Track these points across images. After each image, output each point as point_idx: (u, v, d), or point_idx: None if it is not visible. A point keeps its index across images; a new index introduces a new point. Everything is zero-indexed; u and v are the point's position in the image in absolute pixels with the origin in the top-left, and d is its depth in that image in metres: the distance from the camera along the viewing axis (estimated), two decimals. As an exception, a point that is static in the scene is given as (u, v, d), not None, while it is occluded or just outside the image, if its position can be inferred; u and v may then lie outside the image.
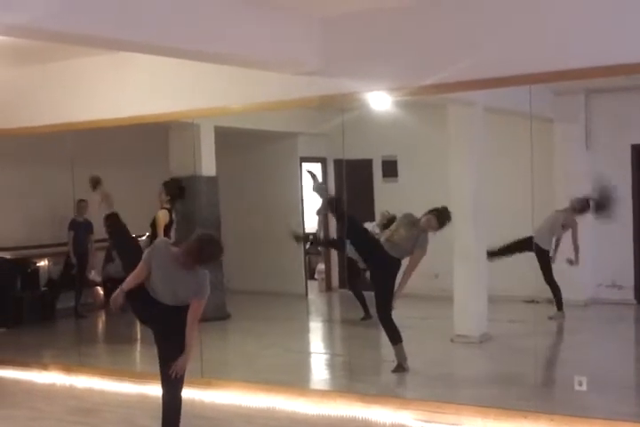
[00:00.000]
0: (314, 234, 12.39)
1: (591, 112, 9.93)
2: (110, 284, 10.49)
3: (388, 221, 8.43)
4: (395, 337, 7.18)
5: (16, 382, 7.05)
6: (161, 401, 5.12)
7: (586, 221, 9.70)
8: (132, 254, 5.40)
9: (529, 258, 7.95)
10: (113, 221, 5.97)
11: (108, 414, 6.09)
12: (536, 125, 7.51)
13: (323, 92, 6.18)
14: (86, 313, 10.05)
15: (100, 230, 9.99)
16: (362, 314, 9.15)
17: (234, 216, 10.64)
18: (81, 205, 9.92)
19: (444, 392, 6.36)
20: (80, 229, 10.04)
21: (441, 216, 7.29)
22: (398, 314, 8.91)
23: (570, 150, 9.89)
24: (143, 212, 10.92)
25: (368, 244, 7.42)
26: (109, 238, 6.54)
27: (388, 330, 7.21)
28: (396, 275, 7.23)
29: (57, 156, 9.37)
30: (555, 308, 8.61)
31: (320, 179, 8.47)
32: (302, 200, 11.29)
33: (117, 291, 5.15)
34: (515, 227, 8.72)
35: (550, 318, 8.53)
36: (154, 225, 8.80)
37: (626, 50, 4.92)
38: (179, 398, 5.14)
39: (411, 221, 7.46)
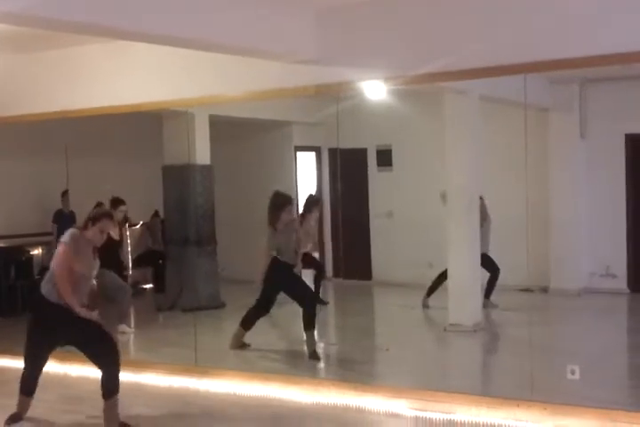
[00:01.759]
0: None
1: (586, 101, 9.95)
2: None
3: None
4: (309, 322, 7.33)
5: (10, 371, 7.04)
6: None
7: (581, 208, 9.75)
8: None
9: (523, 246, 7.96)
10: None
11: (102, 402, 6.09)
12: (531, 114, 7.52)
13: (318, 80, 6.16)
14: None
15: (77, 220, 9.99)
16: (357, 304, 9.21)
17: (228, 205, 10.64)
18: (67, 196, 9.89)
19: (437, 381, 6.39)
20: (67, 220, 10.00)
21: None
22: (393, 303, 8.95)
23: (564, 139, 9.91)
24: (138, 200, 10.93)
25: None
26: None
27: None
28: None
29: (51, 144, 9.35)
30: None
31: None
32: (297, 189, 11.29)
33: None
34: (509, 215, 8.73)
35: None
36: None
37: (621, 39, 4.92)
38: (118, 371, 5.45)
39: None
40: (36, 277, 10.12)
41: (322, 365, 7.41)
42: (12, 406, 5.91)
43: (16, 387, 5.71)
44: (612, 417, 5.12)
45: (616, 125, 9.77)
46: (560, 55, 5.12)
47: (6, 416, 5.61)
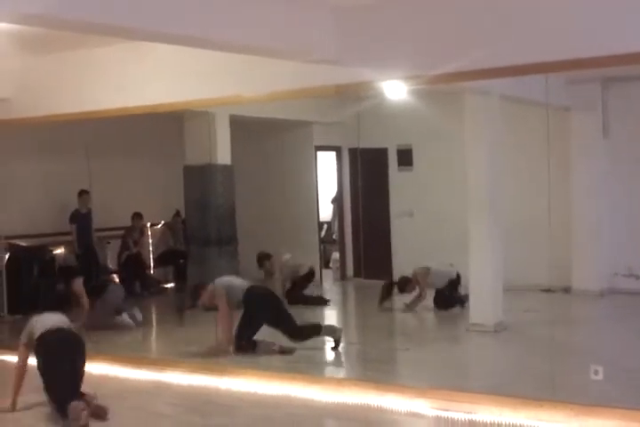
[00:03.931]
0: (328, 223, 12.42)
1: (607, 100, 9.88)
2: (126, 271, 10.58)
3: None
4: (317, 332, 7.40)
5: (32, 369, 7.09)
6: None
7: (603, 209, 9.68)
8: None
9: (545, 246, 7.93)
10: None
11: (123, 400, 6.13)
12: (552, 114, 7.48)
13: (338, 80, 6.16)
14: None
15: (100, 220, 10.07)
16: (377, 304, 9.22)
17: (249, 205, 10.67)
18: (84, 196, 9.94)
19: (459, 381, 6.36)
20: (84, 220, 10.06)
21: None
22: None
23: (587, 139, 9.84)
24: (159, 200, 11.01)
25: None
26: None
27: (306, 337, 7.38)
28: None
29: (71, 145, 9.42)
30: None
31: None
32: (317, 189, 11.30)
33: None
34: (531, 216, 8.71)
35: None
36: None
37: (644, 37, 4.88)
38: None
39: None
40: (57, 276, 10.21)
41: (343, 364, 7.42)
42: (34, 404, 5.96)
43: (39, 385, 5.74)
44: (637, 418, 5.07)
45: (639, 124, 9.70)
46: (582, 54, 5.08)
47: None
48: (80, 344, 5.83)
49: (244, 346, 7.31)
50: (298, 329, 7.42)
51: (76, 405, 5.33)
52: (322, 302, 9.88)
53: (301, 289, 9.89)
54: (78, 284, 8.60)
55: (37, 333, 5.74)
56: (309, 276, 9.99)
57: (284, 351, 7.27)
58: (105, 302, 8.71)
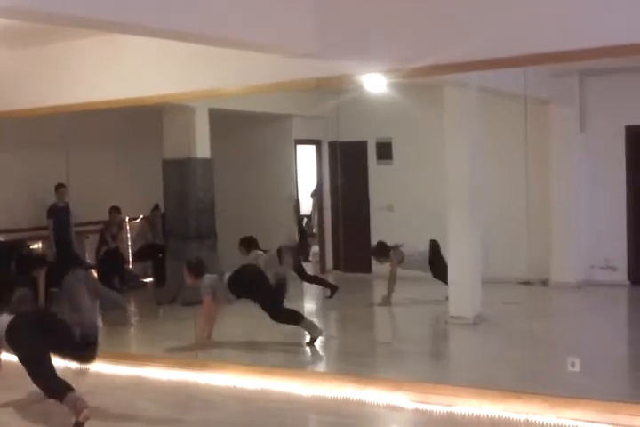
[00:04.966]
0: (308, 216, 12.42)
1: (585, 93, 9.93)
2: (105, 266, 10.52)
3: None
4: (296, 319, 7.39)
5: (9, 366, 7.04)
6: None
7: (581, 202, 9.75)
8: None
9: (523, 239, 7.98)
10: None
11: (104, 396, 6.10)
12: (531, 107, 7.52)
13: (318, 74, 6.14)
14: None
15: (78, 214, 9.99)
16: (357, 297, 9.22)
17: (228, 198, 10.64)
18: (61, 190, 9.84)
19: (438, 374, 6.40)
20: (62, 215, 9.97)
21: None
22: (393, 296, 8.99)
23: (564, 132, 9.90)
24: (138, 194, 10.95)
25: None
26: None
27: (285, 320, 7.41)
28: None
29: (51, 138, 9.34)
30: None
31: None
32: (297, 182, 11.29)
33: None
34: (509, 209, 8.76)
35: None
36: None
37: (621, 31, 4.90)
38: None
39: None
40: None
41: (323, 358, 7.43)
42: (15, 401, 5.93)
43: (17, 382, 5.70)
44: (613, 409, 5.11)
45: (616, 117, 9.76)
46: (560, 48, 5.10)
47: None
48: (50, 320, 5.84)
49: None
50: (278, 309, 7.41)
51: (74, 398, 5.26)
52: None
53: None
54: (41, 275, 8.53)
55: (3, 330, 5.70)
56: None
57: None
58: (63, 292, 8.56)
